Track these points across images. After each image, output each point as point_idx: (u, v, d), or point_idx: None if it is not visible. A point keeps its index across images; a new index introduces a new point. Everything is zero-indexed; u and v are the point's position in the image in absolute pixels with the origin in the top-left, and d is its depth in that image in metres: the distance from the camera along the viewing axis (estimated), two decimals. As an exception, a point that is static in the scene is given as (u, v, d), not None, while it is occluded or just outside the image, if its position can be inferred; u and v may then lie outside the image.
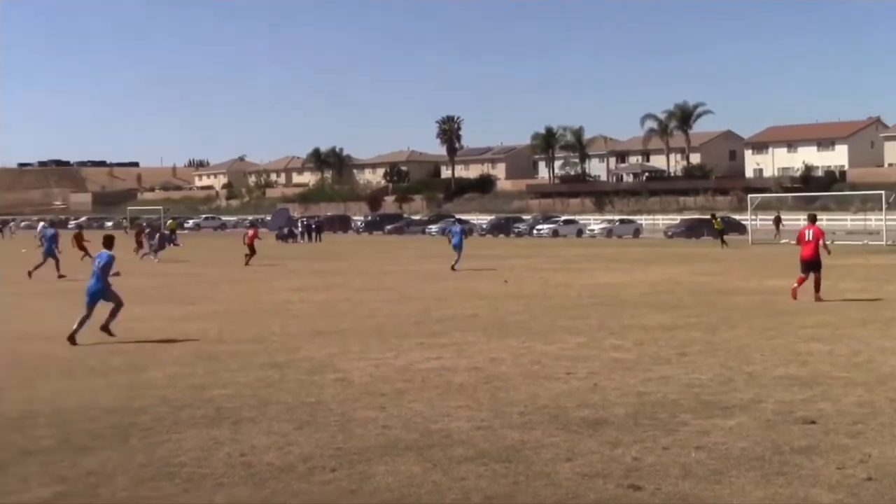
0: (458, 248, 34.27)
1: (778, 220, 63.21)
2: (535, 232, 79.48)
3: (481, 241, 65.31)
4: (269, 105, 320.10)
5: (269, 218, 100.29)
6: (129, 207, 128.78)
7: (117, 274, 16.57)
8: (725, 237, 54.19)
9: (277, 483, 7.40)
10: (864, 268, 32.29)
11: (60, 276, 30.98)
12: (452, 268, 33.04)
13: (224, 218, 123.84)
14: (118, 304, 16.27)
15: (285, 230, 73.18)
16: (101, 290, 16.16)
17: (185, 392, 11.06)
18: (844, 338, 15.02)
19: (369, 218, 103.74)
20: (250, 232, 41.60)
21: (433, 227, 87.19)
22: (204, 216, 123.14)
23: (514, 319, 18.18)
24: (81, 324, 15.72)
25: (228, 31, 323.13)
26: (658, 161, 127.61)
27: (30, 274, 31.23)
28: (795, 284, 21.85)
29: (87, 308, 16.04)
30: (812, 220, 23.29)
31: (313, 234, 71.68)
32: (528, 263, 38.21)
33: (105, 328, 15.97)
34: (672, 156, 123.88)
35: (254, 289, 26.58)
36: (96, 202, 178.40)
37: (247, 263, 37.62)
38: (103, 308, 16.04)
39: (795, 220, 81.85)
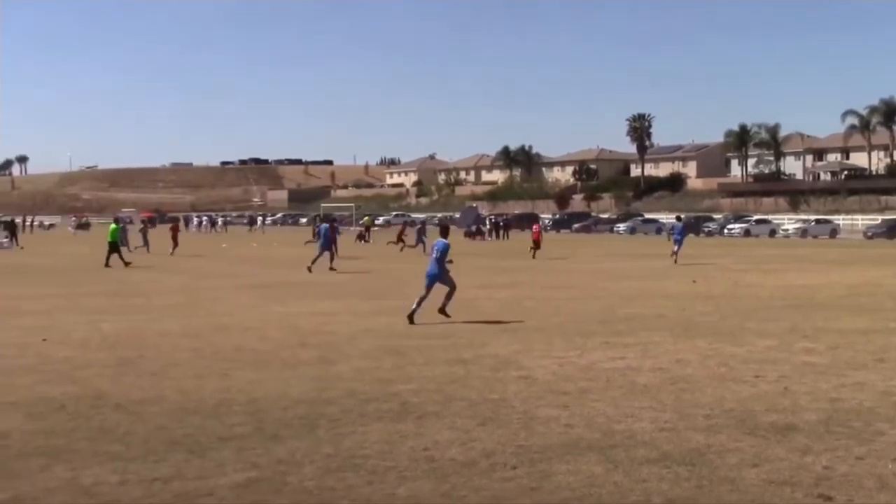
0: (678, 242, 37.93)
1: None
2: (725, 231, 77.71)
3: (666, 242, 64.14)
4: (460, 103, 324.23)
5: (458, 215, 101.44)
6: (323, 204, 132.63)
7: (450, 261, 18.71)
8: None
9: (459, 478, 7.48)
10: None
11: (331, 269, 32.74)
12: (675, 260, 36.18)
13: (414, 215, 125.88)
14: (452, 288, 18.39)
15: (473, 227, 73.87)
16: (439, 274, 18.37)
17: (371, 385, 11.32)
18: None
19: (557, 216, 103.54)
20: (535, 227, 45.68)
21: (621, 226, 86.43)
22: (394, 213, 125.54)
23: (702, 320, 17.81)
24: (419, 303, 18.01)
25: (423, 30, 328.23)
26: (859, 159, 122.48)
27: (309, 269, 32.30)
28: None
29: (425, 289, 18.31)
30: None
31: (501, 232, 72.11)
32: (718, 263, 37.35)
33: (442, 310, 18.12)
34: (874, 153, 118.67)
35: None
36: (292, 199, 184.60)
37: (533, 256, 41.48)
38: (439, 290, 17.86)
39: None
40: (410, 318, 17.67)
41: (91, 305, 21.40)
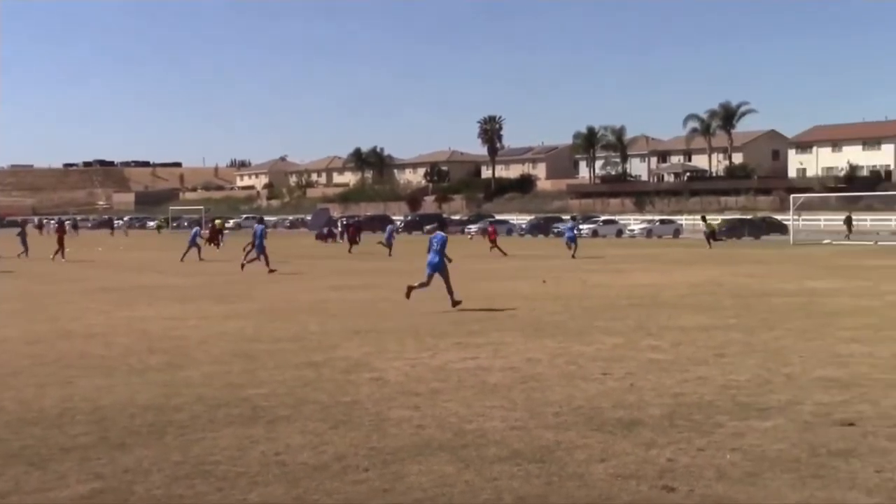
0: (571, 241, 42.74)
1: (849, 220, 62.29)
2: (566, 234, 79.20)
3: (521, 242, 65.28)
4: (310, 105, 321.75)
5: (309, 218, 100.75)
6: (171, 207, 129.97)
7: (450, 260, 20.86)
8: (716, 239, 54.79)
9: (311, 482, 7.43)
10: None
11: (271, 271, 32.67)
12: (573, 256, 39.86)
13: (265, 218, 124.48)
14: (447, 281, 20.31)
15: (325, 230, 73.42)
16: (439, 265, 20.30)
17: (221, 390, 11.14)
18: (886, 339, 14.85)
19: (409, 218, 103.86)
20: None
21: (473, 227, 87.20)
22: (245, 216, 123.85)
23: (552, 320, 18.13)
24: (420, 286, 20.24)
25: (270, 29, 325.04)
26: (700, 161, 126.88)
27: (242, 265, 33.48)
28: None
29: (427, 278, 20.34)
30: None
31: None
32: (566, 264, 38.10)
33: (455, 304, 19.87)
34: (714, 155, 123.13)
35: (293, 287, 26.70)
36: (139, 202, 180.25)
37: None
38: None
39: (838, 221, 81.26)
40: (408, 293, 20.31)
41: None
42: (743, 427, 9.02)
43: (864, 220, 77.63)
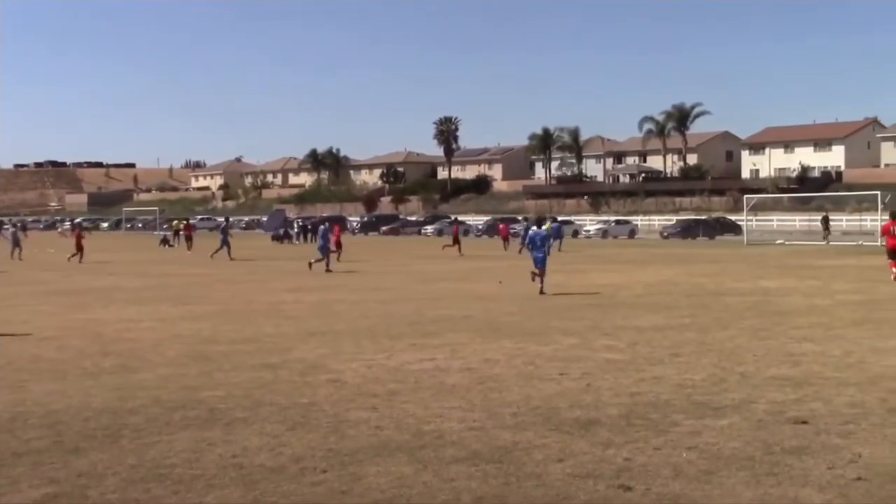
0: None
1: (826, 220, 62.63)
2: (530, 233, 79.43)
3: (477, 242, 65.33)
4: (266, 106, 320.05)
5: (264, 219, 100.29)
6: (125, 208, 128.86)
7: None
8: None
9: (268, 484, 7.39)
10: (858, 269, 32.35)
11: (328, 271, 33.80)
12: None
13: (220, 219, 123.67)
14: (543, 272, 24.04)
15: (281, 231, 73.11)
16: (544, 258, 24.41)
17: (177, 393, 11.05)
18: (837, 338, 15.05)
19: (365, 219, 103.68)
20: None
21: (429, 228, 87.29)
22: (200, 217, 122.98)
23: (509, 320, 18.18)
24: (539, 279, 23.99)
25: (224, 30, 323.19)
26: (655, 162, 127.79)
27: (310, 265, 34.21)
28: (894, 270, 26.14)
29: (538, 269, 24.14)
30: (893, 216, 27.33)
31: (309, 235, 71.66)
32: (522, 264, 38.17)
33: (542, 291, 23.45)
34: (669, 156, 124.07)
35: (249, 289, 26.58)
36: (92, 203, 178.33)
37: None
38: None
39: (791, 221, 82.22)
40: (541, 290, 23.51)
41: None
42: (699, 426, 9.10)
43: (815, 221, 78.53)
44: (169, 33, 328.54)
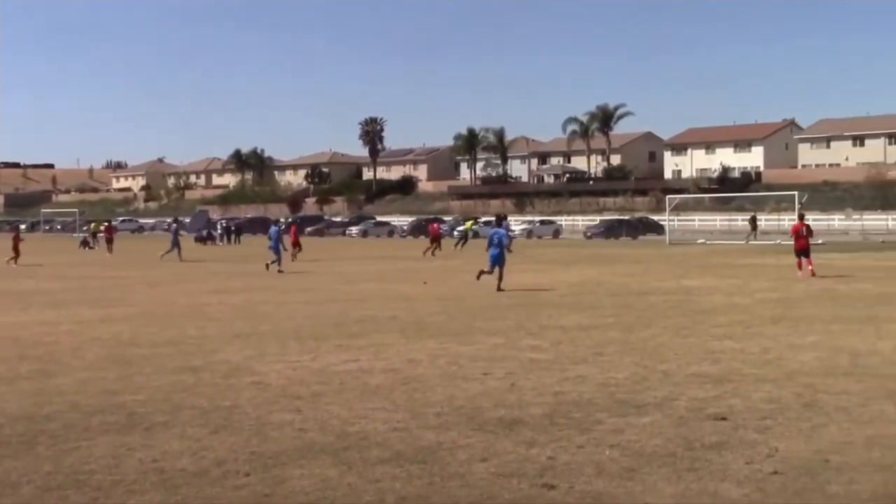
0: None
1: (754, 220, 63.71)
2: (455, 233, 79.68)
3: (402, 243, 65.37)
4: (189, 106, 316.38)
5: (188, 220, 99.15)
6: (43, 210, 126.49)
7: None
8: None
9: (190, 489, 7.30)
10: (776, 267, 32.97)
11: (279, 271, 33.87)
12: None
13: (142, 220, 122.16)
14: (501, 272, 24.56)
15: (204, 232, 72.35)
16: (500, 256, 24.67)
17: (96, 398, 10.86)
18: (755, 336, 15.33)
19: (290, 220, 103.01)
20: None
21: (354, 229, 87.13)
22: (121, 218, 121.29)
23: (433, 321, 18.20)
24: (485, 274, 24.94)
25: (146, 28, 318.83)
26: (579, 162, 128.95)
27: (267, 266, 34.32)
28: (807, 268, 27.91)
29: (490, 267, 24.83)
30: (801, 218, 29.93)
31: (232, 237, 71.04)
32: (448, 265, 38.29)
33: (500, 288, 24.05)
34: (593, 157, 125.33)
35: (170, 291, 26.24)
36: (8, 204, 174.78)
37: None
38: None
39: (712, 220, 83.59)
40: (498, 287, 24.08)
41: None
42: (621, 423, 9.19)
43: (736, 220, 79.95)
44: (88, 29, 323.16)
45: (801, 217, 30.31)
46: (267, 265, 34.44)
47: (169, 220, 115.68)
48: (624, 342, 14.83)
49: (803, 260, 28.34)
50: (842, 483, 7.17)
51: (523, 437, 8.74)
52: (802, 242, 28.53)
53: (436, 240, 48.69)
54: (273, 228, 37.75)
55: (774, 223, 72.49)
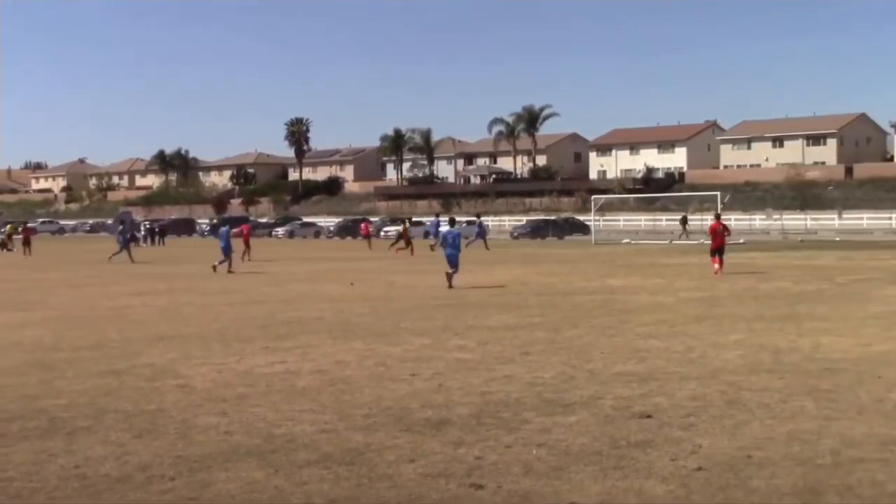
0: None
1: (685, 220, 64.53)
2: (381, 234, 79.60)
3: (329, 244, 65.14)
4: (111, 105, 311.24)
5: (110, 222, 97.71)
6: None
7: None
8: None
9: (113, 494, 7.18)
10: (700, 266, 33.39)
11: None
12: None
13: (62, 222, 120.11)
14: (456, 269, 25.77)
15: (128, 234, 71.23)
16: (456, 254, 25.97)
17: (15, 403, 10.63)
18: (680, 334, 15.53)
19: (214, 221, 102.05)
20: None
21: (280, 230, 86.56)
22: (41, 220, 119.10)
23: (360, 322, 18.14)
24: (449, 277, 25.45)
25: (66, 25, 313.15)
26: (505, 163, 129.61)
27: (214, 268, 34.28)
28: (716, 266, 29.45)
29: (451, 266, 25.70)
30: (718, 217, 31.98)
31: (156, 238, 70.17)
32: (375, 266, 38.22)
33: (450, 286, 25.16)
34: (519, 158, 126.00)
35: (93, 294, 25.82)
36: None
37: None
38: None
39: (637, 220, 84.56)
40: (449, 285, 25.11)
41: None
42: (549, 423, 9.25)
43: (661, 220, 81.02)
44: (8, 22, 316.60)
45: (718, 217, 32.30)
46: (214, 266, 34.29)
47: (91, 221, 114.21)
48: (551, 342, 14.92)
49: (718, 257, 29.77)
50: (763, 478, 7.30)
51: (451, 437, 8.75)
52: (719, 241, 30.07)
53: (408, 240, 49.28)
54: (223, 228, 37.62)
55: (698, 223, 73.52)
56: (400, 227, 57.28)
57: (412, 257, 44.41)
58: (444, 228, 41.28)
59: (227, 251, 35.13)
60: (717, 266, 29.44)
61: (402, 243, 48.98)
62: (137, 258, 43.53)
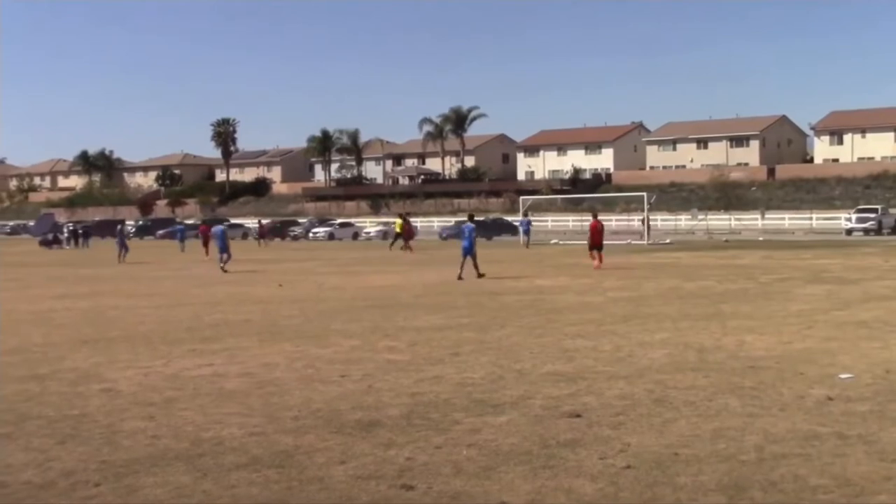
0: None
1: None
2: (310, 235, 79.26)
3: (256, 245, 64.62)
4: (31, 104, 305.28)
5: (32, 224, 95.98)
6: None
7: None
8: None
9: (35, 502, 7.04)
10: (627, 267, 33.76)
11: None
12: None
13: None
14: (475, 259, 28.69)
15: (50, 236, 70.09)
16: (470, 249, 28.74)
17: (-66, 409, 10.39)
18: (607, 334, 15.67)
19: (140, 222, 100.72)
20: None
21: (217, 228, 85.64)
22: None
23: (288, 323, 18.02)
24: (462, 268, 28.12)
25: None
26: (434, 164, 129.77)
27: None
28: (596, 261, 32.17)
29: (463, 258, 28.45)
30: (595, 216, 35.08)
31: (80, 240, 69.06)
32: (303, 267, 38.02)
33: (480, 275, 28.11)
34: (447, 159, 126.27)
35: (14, 297, 25.29)
36: None
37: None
38: None
39: (564, 221, 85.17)
40: (459, 277, 27.90)
41: None
42: (478, 423, 9.27)
43: (588, 221, 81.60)
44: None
45: (595, 215, 35.63)
46: (222, 268, 35.09)
47: (11, 223, 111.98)
48: (479, 342, 14.96)
49: (596, 253, 33.02)
50: (690, 474, 7.40)
51: (381, 438, 8.73)
52: (597, 238, 33.41)
53: (408, 237, 50.19)
54: (218, 228, 37.70)
55: (624, 223, 74.33)
56: (394, 224, 56.98)
57: (412, 255, 44.80)
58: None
59: (224, 249, 35.82)
60: (596, 262, 32.07)
61: (402, 241, 49.08)
62: (58, 261, 42.77)
